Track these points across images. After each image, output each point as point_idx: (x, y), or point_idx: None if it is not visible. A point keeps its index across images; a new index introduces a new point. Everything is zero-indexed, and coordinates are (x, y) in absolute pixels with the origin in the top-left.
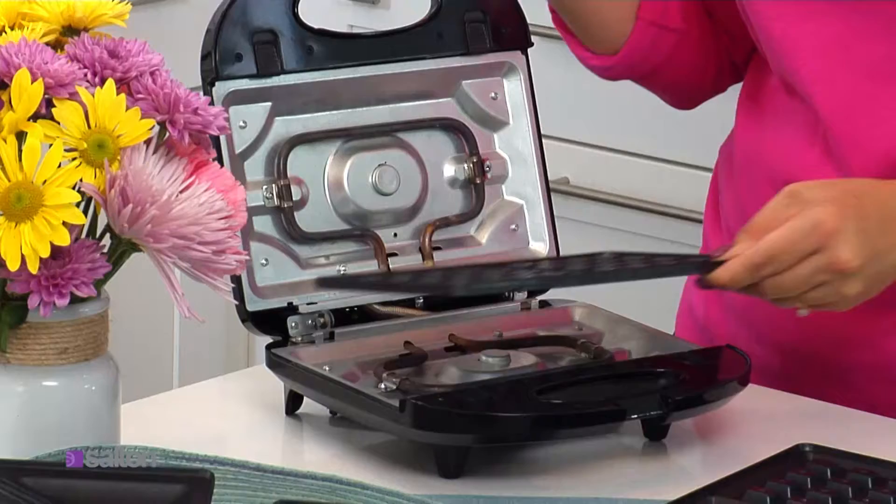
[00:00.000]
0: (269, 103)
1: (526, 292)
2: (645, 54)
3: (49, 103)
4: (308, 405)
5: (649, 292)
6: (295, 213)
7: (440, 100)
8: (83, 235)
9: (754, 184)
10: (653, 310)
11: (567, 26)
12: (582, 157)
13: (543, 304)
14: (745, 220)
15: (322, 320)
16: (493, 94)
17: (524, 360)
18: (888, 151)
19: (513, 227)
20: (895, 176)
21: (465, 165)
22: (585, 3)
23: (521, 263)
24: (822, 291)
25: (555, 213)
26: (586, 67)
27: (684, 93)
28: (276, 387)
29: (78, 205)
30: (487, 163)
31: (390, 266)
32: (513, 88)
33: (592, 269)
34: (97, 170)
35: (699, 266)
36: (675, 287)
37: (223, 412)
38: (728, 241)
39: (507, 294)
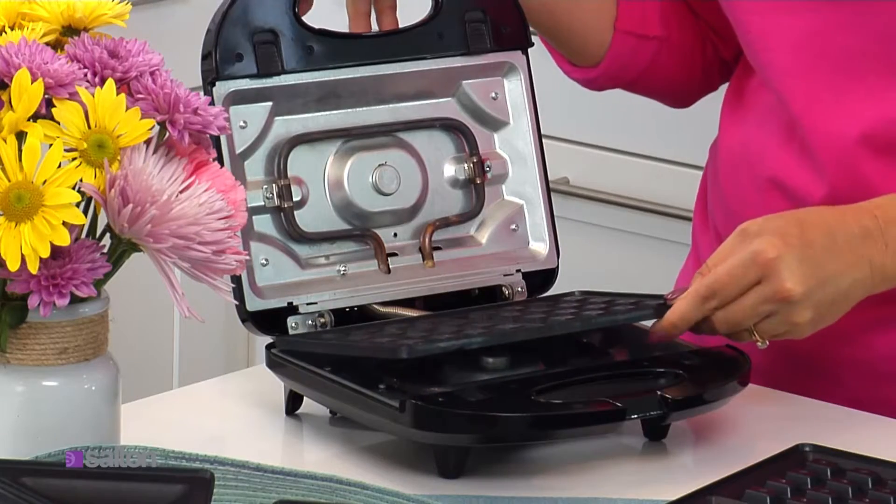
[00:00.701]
0: (270, 103)
1: (526, 292)
2: (625, 64)
3: (49, 103)
4: (308, 405)
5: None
6: (295, 213)
7: (440, 100)
8: (83, 235)
9: (738, 182)
10: None
11: None
12: (582, 157)
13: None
14: (730, 219)
15: (322, 320)
16: (493, 94)
17: (524, 359)
18: (857, 145)
19: (513, 227)
20: (865, 171)
21: (466, 165)
22: (561, 18)
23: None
24: (773, 322)
25: (555, 212)
26: (571, 80)
27: (673, 95)
28: (276, 387)
29: (78, 205)
30: (487, 163)
31: (390, 266)
32: (513, 88)
33: (549, 317)
34: (97, 170)
35: (654, 310)
36: (661, 277)
37: (223, 412)
38: (716, 241)
39: (507, 294)
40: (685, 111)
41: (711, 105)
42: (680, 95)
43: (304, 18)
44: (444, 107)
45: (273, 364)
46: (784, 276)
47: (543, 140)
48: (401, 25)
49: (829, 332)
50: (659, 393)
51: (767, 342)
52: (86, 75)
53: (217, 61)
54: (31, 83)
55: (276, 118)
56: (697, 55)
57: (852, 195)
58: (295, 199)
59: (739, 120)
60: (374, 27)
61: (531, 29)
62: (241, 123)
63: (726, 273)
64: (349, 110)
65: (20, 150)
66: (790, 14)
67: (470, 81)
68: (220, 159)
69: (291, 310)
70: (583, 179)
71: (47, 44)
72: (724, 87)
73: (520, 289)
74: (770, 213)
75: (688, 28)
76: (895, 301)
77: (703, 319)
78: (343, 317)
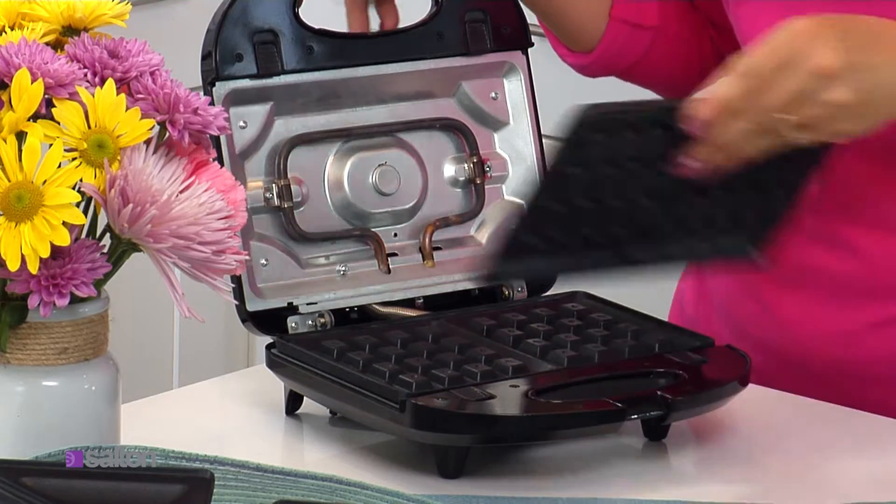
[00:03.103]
0: (270, 103)
1: (526, 291)
2: (619, 52)
3: (49, 103)
4: (308, 405)
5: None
6: (295, 213)
7: (440, 100)
8: (83, 235)
9: None
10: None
11: None
12: None
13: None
14: None
15: (322, 320)
16: (493, 94)
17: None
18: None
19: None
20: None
21: (466, 165)
22: (558, 4)
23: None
24: (813, 107)
25: None
26: (567, 64)
27: (669, 86)
28: (276, 387)
29: (78, 205)
30: (488, 163)
31: (390, 266)
32: (513, 88)
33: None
34: (97, 170)
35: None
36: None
37: (223, 412)
38: None
39: (506, 293)
40: None
41: None
42: (676, 87)
43: (304, 18)
44: (444, 107)
45: (273, 364)
46: (820, 50)
47: (543, 140)
48: (401, 25)
49: (822, 333)
50: (659, 393)
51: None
52: (86, 75)
53: (217, 61)
54: (31, 83)
55: (276, 118)
56: (694, 48)
57: (844, 189)
58: (295, 199)
59: None
60: (373, 26)
61: (530, 24)
62: (241, 123)
63: (763, 51)
64: (349, 110)
65: (20, 150)
66: (787, 9)
67: (470, 81)
68: (220, 159)
69: (291, 310)
70: None
71: (47, 44)
72: None
73: (520, 289)
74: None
75: (686, 20)
76: (883, 302)
77: (742, 113)
78: (343, 317)
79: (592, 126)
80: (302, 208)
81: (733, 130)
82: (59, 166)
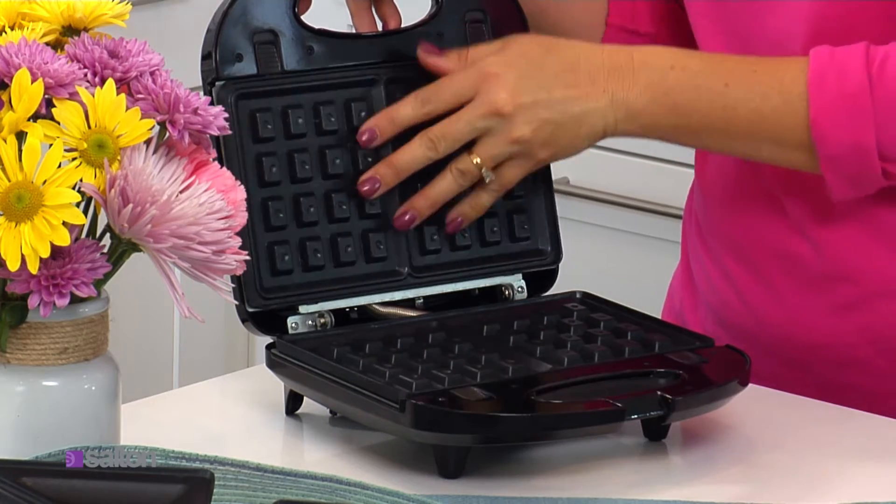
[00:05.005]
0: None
1: (526, 292)
2: None
3: (49, 103)
4: (308, 405)
5: (639, 283)
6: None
7: None
8: (83, 235)
9: (714, 174)
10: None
11: None
12: (582, 157)
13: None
14: (708, 212)
15: (322, 320)
16: None
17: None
18: None
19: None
20: None
21: None
22: (552, 13)
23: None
24: (493, 141)
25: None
26: None
27: None
28: (276, 387)
29: (78, 205)
30: None
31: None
32: None
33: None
34: (97, 170)
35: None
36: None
37: (223, 412)
38: (697, 237)
39: (507, 294)
40: None
41: None
42: None
43: (304, 18)
44: None
45: (273, 364)
46: (496, 90)
47: None
48: (401, 25)
49: (794, 318)
50: (659, 393)
51: (492, 175)
52: (86, 75)
53: (217, 61)
54: (31, 83)
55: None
56: None
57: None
58: None
59: None
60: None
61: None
62: None
63: (447, 79)
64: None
65: (20, 150)
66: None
67: None
68: (220, 159)
69: (291, 310)
70: (583, 179)
71: (47, 44)
72: None
73: (520, 289)
74: (750, 208)
75: (677, 26)
76: (856, 286)
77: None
78: (343, 317)
79: None
80: None
81: (411, 148)
82: (59, 166)
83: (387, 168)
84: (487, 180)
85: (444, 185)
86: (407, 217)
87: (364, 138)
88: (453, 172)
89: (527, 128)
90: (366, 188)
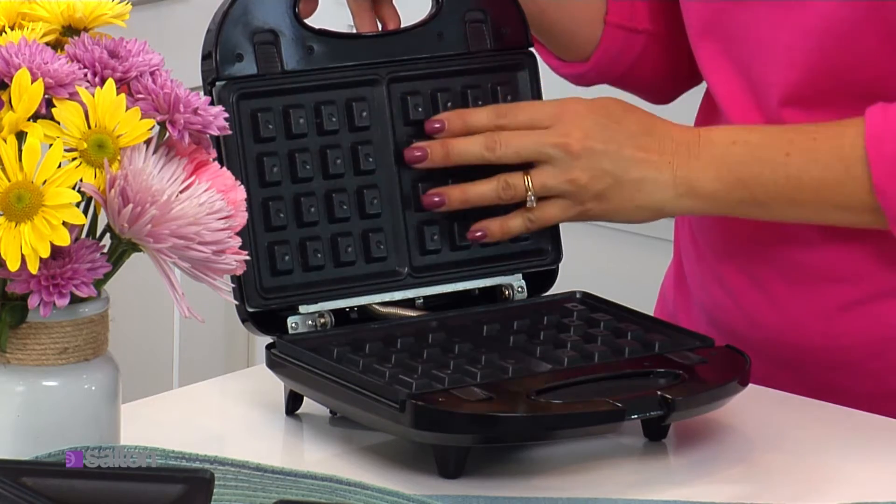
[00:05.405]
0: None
1: (526, 292)
2: (616, 58)
3: (49, 103)
4: (308, 405)
5: (638, 282)
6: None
7: None
8: (83, 235)
9: None
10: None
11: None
12: None
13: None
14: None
15: (322, 321)
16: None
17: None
18: None
19: None
20: None
21: None
22: (551, 13)
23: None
24: (549, 170)
25: None
26: (559, 76)
27: (657, 90)
28: (276, 387)
29: (78, 205)
30: None
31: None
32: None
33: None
34: (97, 170)
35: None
36: (658, 276)
37: (223, 412)
38: (688, 236)
39: (507, 294)
40: (684, 111)
41: None
42: (663, 91)
43: (304, 18)
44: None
45: (273, 364)
46: (571, 127)
47: None
48: (401, 25)
49: (787, 320)
50: (659, 393)
51: (535, 203)
52: (86, 75)
53: (217, 61)
54: (31, 83)
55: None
56: (683, 51)
57: None
58: None
59: (711, 118)
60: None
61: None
62: None
63: (529, 102)
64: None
65: (20, 150)
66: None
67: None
68: (220, 159)
69: (291, 310)
70: None
71: (47, 44)
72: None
73: (520, 289)
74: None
75: (675, 23)
76: (849, 288)
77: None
78: (343, 317)
79: None
80: None
81: (470, 140)
82: (59, 166)
83: (440, 147)
84: (528, 204)
85: (485, 189)
86: (436, 199)
87: (435, 126)
88: (500, 182)
89: (586, 173)
90: (417, 154)
